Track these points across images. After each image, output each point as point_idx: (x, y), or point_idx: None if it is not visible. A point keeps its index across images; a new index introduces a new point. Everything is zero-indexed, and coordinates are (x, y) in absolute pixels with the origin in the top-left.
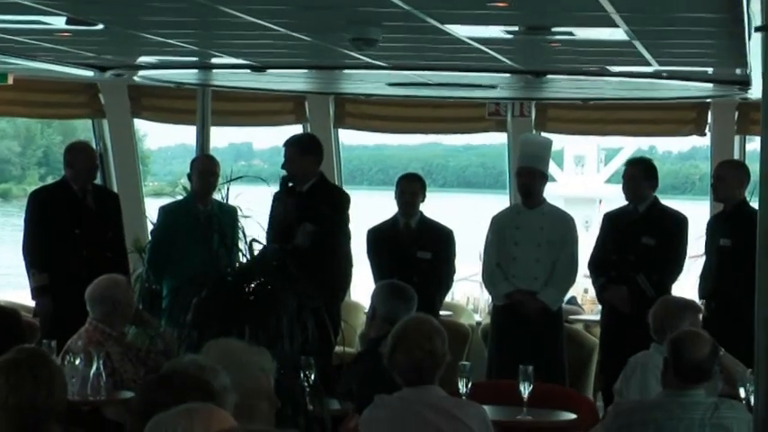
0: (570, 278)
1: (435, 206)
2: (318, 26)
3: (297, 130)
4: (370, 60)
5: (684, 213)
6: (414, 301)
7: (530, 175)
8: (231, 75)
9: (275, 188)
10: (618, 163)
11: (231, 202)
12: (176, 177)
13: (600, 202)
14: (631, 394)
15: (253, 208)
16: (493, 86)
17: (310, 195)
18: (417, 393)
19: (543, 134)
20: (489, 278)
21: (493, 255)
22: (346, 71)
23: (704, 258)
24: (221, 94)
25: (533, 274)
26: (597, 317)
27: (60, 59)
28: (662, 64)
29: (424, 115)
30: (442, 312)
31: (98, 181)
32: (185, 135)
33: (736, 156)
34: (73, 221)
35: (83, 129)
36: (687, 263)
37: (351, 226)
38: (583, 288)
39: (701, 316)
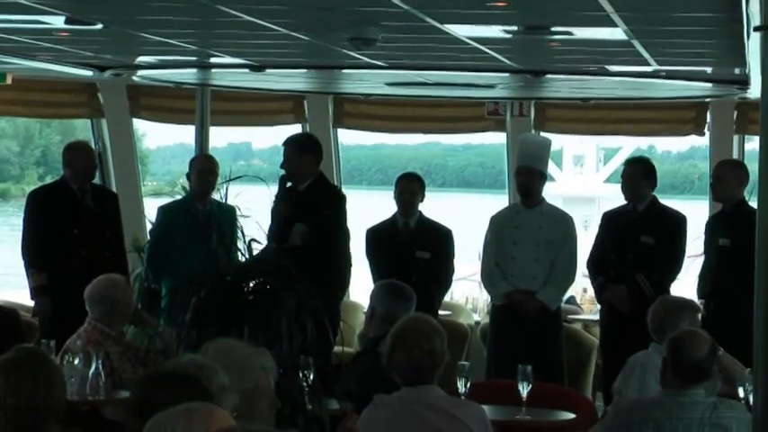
0: (569, 278)
1: (434, 206)
2: (317, 26)
3: (296, 129)
4: (369, 60)
5: (683, 213)
6: (413, 301)
7: (529, 175)
8: (230, 74)
9: (274, 188)
10: (617, 162)
11: (230, 201)
12: (175, 177)
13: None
14: (630, 394)
15: (252, 208)
16: (492, 86)
17: (308, 195)
18: (416, 393)
19: (542, 134)
20: (488, 278)
21: (492, 254)
22: (345, 71)
23: (703, 258)
24: (220, 93)
25: (532, 274)
26: (596, 316)
27: (59, 59)
28: (661, 63)
29: (423, 115)
30: (440, 312)
31: (97, 180)
32: (184, 135)
33: (735, 155)
34: (72, 221)
35: (82, 128)
36: (686, 262)
37: (350, 226)
38: (582, 288)
39: (699, 315)
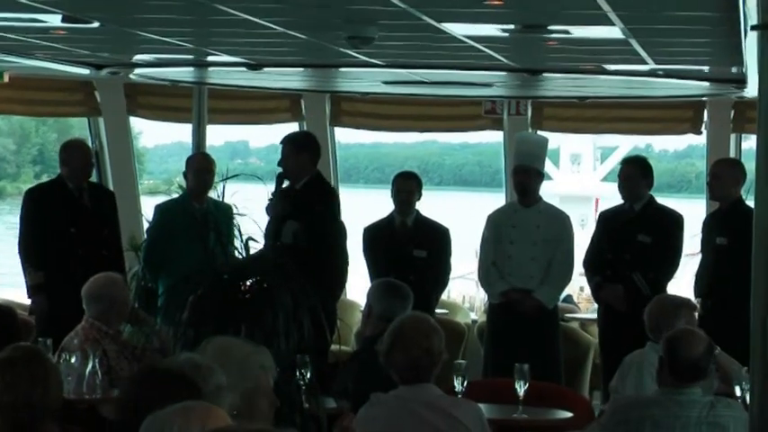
0: (566, 276)
1: (431, 204)
2: (315, 24)
3: (293, 128)
4: (366, 59)
5: (680, 212)
6: (410, 300)
7: (526, 174)
8: (227, 73)
9: (271, 186)
10: (614, 161)
11: (227, 200)
12: (172, 175)
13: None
14: (627, 393)
15: (249, 206)
16: (489, 85)
17: (304, 193)
18: (413, 392)
19: (539, 132)
20: (485, 276)
21: (489, 253)
22: (342, 69)
23: (700, 257)
24: (217, 92)
25: (529, 273)
26: (593, 315)
27: (56, 57)
28: (658, 62)
29: (420, 113)
30: (437, 311)
31: (94, 179)
32: (181, 133)
33: (732, 154)
34: (68, 220)
35: (78, 127)
36: (683, 261)
37: (347, 225)
38: (579, 286)
39: (696, 314)
